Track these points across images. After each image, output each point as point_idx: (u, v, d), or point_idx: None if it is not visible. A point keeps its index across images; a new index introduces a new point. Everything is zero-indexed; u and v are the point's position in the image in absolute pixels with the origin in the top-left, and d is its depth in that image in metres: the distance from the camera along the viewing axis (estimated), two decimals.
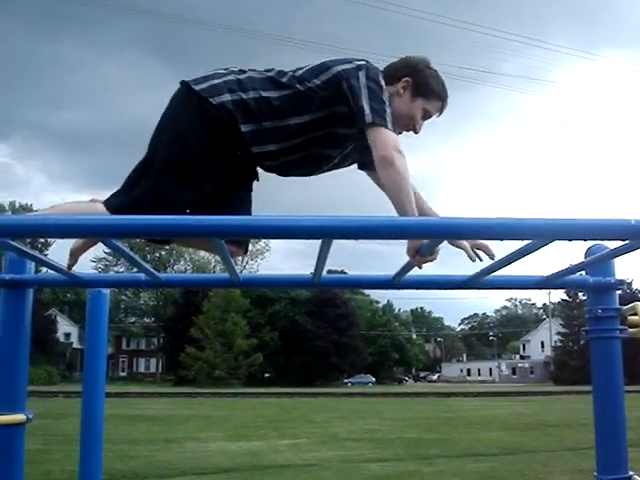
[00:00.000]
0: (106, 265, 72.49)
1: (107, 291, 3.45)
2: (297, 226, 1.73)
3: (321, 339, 69.57)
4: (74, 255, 2.62)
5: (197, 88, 2.60)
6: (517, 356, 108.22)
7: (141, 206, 2.50)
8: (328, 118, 2.63)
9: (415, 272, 2.58)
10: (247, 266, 78.80)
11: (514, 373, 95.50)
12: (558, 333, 77.13)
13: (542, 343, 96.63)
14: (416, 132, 2.81)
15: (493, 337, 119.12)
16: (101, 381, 3.50)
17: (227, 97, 2.57)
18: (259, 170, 2.84)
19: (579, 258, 2.87)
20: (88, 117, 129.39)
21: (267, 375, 73.53)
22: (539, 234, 1.85)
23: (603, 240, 2.49)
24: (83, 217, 1.73)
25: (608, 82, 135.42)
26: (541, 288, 3.00)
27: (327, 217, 1.71)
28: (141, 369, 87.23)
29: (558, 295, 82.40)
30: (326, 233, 1.79)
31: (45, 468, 9.64)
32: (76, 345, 77.82)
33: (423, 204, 2.91)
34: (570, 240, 1.84)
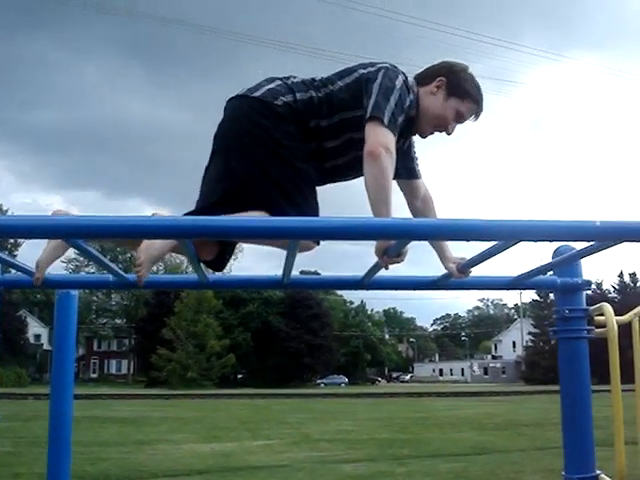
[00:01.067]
0: (77, 266, 71.84)
1: (76, 292, 3.42)
2: (263, 227, 1.73)
3: (294, 340, 69.51)
4: (41, 268, 2.52)
5: (256, 95, 2.61)
6: (489, 356, 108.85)
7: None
8: (348, 121, 2.64)
9: (384, 273, 2.59)
10: None
11: (486, 373, 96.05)
12: (529, 333, 77.74)
13: (514, 343, 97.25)
14: (448, 133, 2.83)
15: (465, 337, 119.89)
16: (69, 383, 3.47)
17: (287, 97, 2.60)
18: None
19: (549, 259, 2.89)
20: (59, 117, 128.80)
21: (240, 376, 73.35)
22: (505, 235, 1.87)
23: (568, 241, 2.52)
24: (48, 217, 1.71)
25: (577, 84, 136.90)
26: (510, 289, 3.02)
27: (291, 218, 1.71)
28: (112, 371, 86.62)
29: (529, 295, 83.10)
30: (291, 234, 1.78)
31: (14, 471, 9.54)
32: (46, 347, 77.01)
33: (429, 212, 2.98)
34: (536, 241, 1.85)
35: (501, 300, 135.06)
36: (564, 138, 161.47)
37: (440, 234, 1.93)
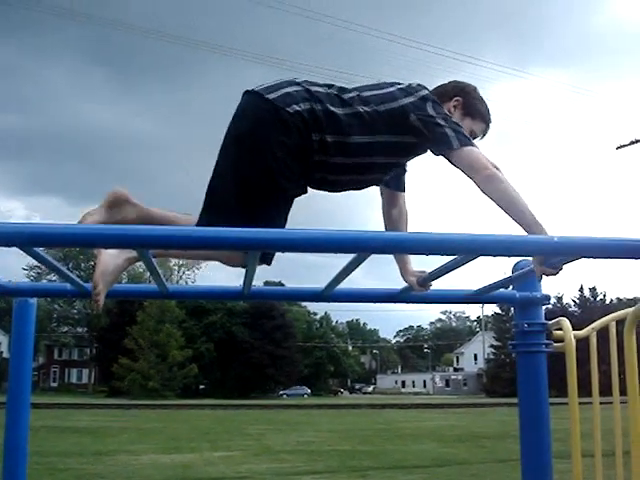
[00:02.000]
0: (38, 274, 70.88)
1: (34, 300, 3.37)
2: (221, 237, 1.72)
3: (257, 350, 69.24)
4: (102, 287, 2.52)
5: (271, 97, 2.57)
6: (451, 368, 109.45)
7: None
8: (390, 145, 2.65)
9: (345, 285, 2.59)
10: (184, 276, 78.21)
11: (448, 385, 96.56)
12: (491, 346, 78.36)
13: (475, 356, 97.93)
14: None
15: (428, 349, 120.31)
16: (26, 392, 3.41)
17: (302, 106, 2.55)
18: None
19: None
20: (22, 122, 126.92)
21: (202, 387, 72.76)
22: (464, 249, 1.88)
23: (527, 256, 2.54)
24: (3, 224, 1.69)
25: (540, 100, 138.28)
26: (470, 302, 3.04)
27: (249, 229, 1.71)
28: (73, 380, 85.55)
29: (491, 309, 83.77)
30: (249, 245, 1.78)
31: None
32: (6, 355, 75.90)
33: (402, 224, 2.99)
34: (494, 256, 1.86)
35: (464, 313, 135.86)
36: (527, 153, 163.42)
37: (399, 247, 1.94)
